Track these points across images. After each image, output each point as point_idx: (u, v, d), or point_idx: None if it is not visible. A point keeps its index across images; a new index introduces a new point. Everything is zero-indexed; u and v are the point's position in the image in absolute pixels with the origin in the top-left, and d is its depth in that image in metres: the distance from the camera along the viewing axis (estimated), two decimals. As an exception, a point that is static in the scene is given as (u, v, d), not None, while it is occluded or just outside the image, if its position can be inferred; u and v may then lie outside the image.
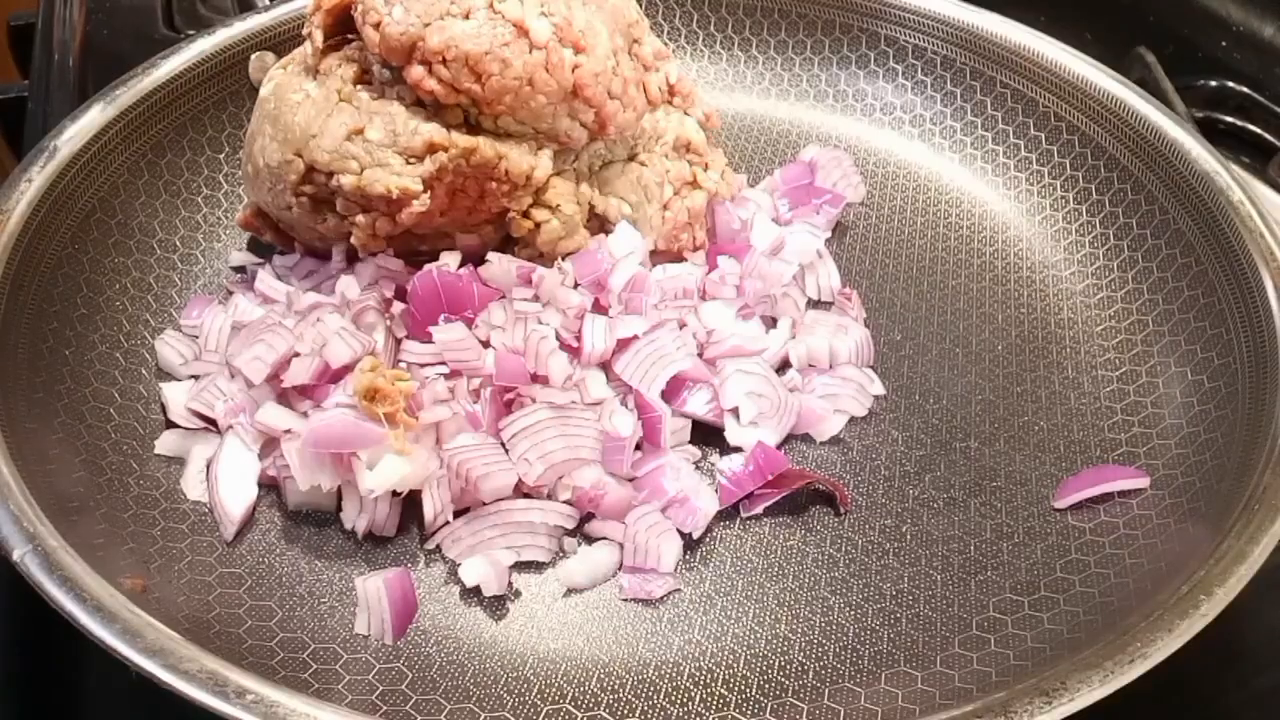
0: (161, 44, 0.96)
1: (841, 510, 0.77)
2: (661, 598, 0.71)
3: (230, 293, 0.88)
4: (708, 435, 0.80)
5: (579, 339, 0.78)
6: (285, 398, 0.76)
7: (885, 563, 0.74)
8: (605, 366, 0.79)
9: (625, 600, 0.71)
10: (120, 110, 0.88)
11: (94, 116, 0.87)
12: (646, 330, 0.79)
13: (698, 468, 0.78)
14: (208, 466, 0.76)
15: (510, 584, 0.71)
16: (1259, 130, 1.13)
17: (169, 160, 0.92)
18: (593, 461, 0.74)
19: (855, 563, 0.74)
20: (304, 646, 0.66)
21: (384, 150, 0.78)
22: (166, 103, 0.91)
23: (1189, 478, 0.74)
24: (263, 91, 0.85)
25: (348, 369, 0.75)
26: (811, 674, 0.67)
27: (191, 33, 1.00)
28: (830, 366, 0.84)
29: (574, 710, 0.65)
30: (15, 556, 0.61)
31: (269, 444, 0.75)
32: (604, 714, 0.65)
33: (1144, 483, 0.76)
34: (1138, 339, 0.87)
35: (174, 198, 0.92)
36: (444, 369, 0.77)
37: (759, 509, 0.76)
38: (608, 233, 0.85)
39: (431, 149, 0.78)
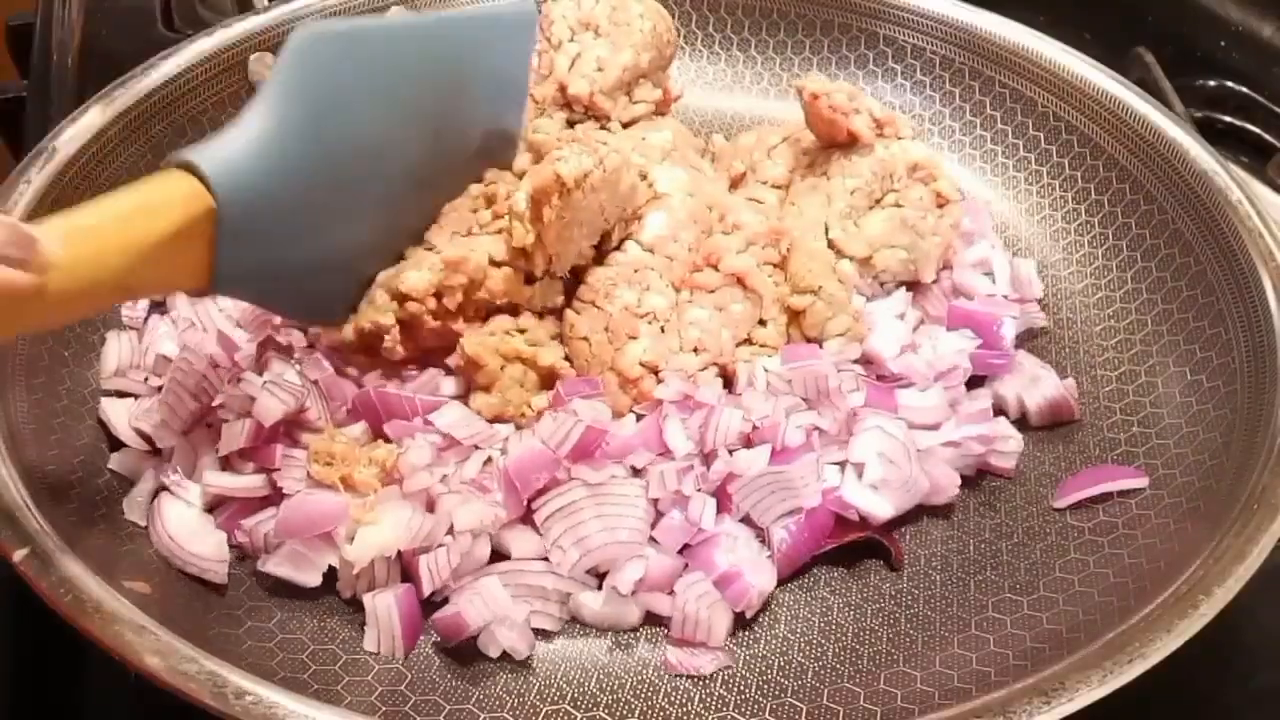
0: (160, 44, 0.96)
1: (895, 566, 0.74)
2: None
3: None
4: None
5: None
6: (228, 461, 0.73)
7: (884, 562, 0.74)
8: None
9: (674, 676, 0.67)
10: (119, 111, 0.88)
11: (93, 117, 0.87)
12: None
13: (759, 536, 0.73)
14: (157, 519, 0.71)
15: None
16: (1258, 130, 1.13)
17: (168, 161, 0.92)
18: (635, 545, 0.69)
19: (854, 562, 0.74)
20: (303, 647, 0.66)
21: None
22: (166, 103, 0.91)
23: (1188, 477, 0.74)
24: None
25: (288, 424, 0.72)
26: (811, 674, 0.67)
27: (190, 33, 1.00)
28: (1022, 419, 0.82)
29: (573, 710, 0.65)
30: (15, 557, 0.61)
31: (220, 501, 0.72)
32: (603, 714, 0.65)
33: (1143, 482, 0.76)
34: (1136, 339, 0.87)
35: (173, 198, 0.92)
36: (435, 438, 0.72)
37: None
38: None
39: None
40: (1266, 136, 1.12)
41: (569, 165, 0.73)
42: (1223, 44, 1.23)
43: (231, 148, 0.63)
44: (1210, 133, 1.07)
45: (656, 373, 0.77)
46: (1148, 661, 0.58)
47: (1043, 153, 1.00)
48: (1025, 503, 0.78)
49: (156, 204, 0.60)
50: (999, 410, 0.82)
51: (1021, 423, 0.82)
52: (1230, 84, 1.18)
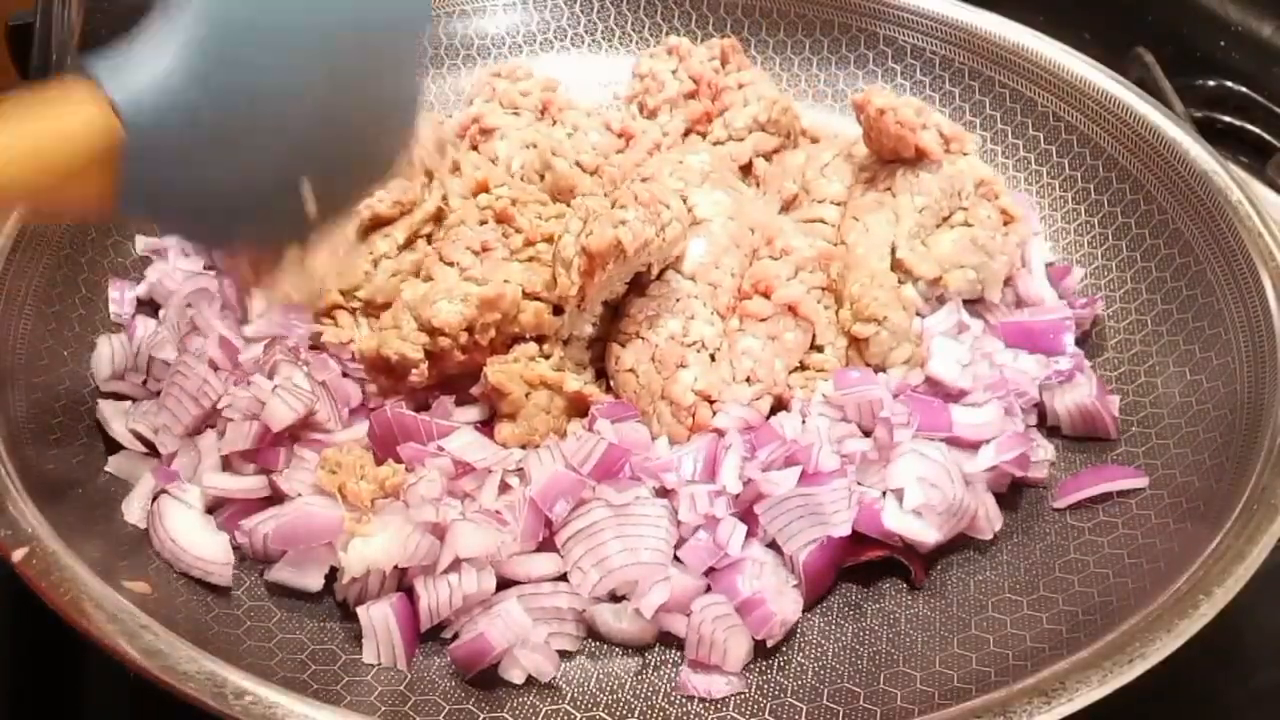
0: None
1: (916, 585, 0.73)
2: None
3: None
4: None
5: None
6: (229, 461, 0.73)
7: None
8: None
9: (686, 696, 0.66)
10: (119, 111, 0.88)
11: (93, 117, 0.86)
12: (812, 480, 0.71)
13: (785, 564, 0.71)
14: (158, 524, 0.70)
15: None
16: (1258, 130, 1.13)
17: (168, 161, 0.92)
18: (656, 566, 0.67)
19: (854, 564, 0.74)
20: (303, 648, 0.66)
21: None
22: (165, 103, 0.91)
23: (1188, 477, 0.74)
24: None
25: (293, 425, 0.72)
26: (811, 674, 0.67)
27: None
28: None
29: (573, 710, 0.65)
30: (16, 558, 0.61)
31: (220, 502, 0.72)
32: (602, 714, 0.65)
33: (1143, 482, 0.76)
34: (1136, 339, 0.87)
35: (173, 198, 0.92)
36: (445, 462, 0.71)
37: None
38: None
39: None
40: (1266, 136, 1.12)
41: (630, 233, 0.72)
42: (1223, 44, 1.23)
43: (141, 75, 0.59)
44: (1210, 133, 1.07)
45: (710, 401, 0.75)
46: (1148, 661, 0.58)
47: (1043, 153, 1.00)
48: (1024, 502, 0.78)
49: (68, 131, 0.57)
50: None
51: (1042, 423, 0.82)
52: (1230, 84, 1.18)
